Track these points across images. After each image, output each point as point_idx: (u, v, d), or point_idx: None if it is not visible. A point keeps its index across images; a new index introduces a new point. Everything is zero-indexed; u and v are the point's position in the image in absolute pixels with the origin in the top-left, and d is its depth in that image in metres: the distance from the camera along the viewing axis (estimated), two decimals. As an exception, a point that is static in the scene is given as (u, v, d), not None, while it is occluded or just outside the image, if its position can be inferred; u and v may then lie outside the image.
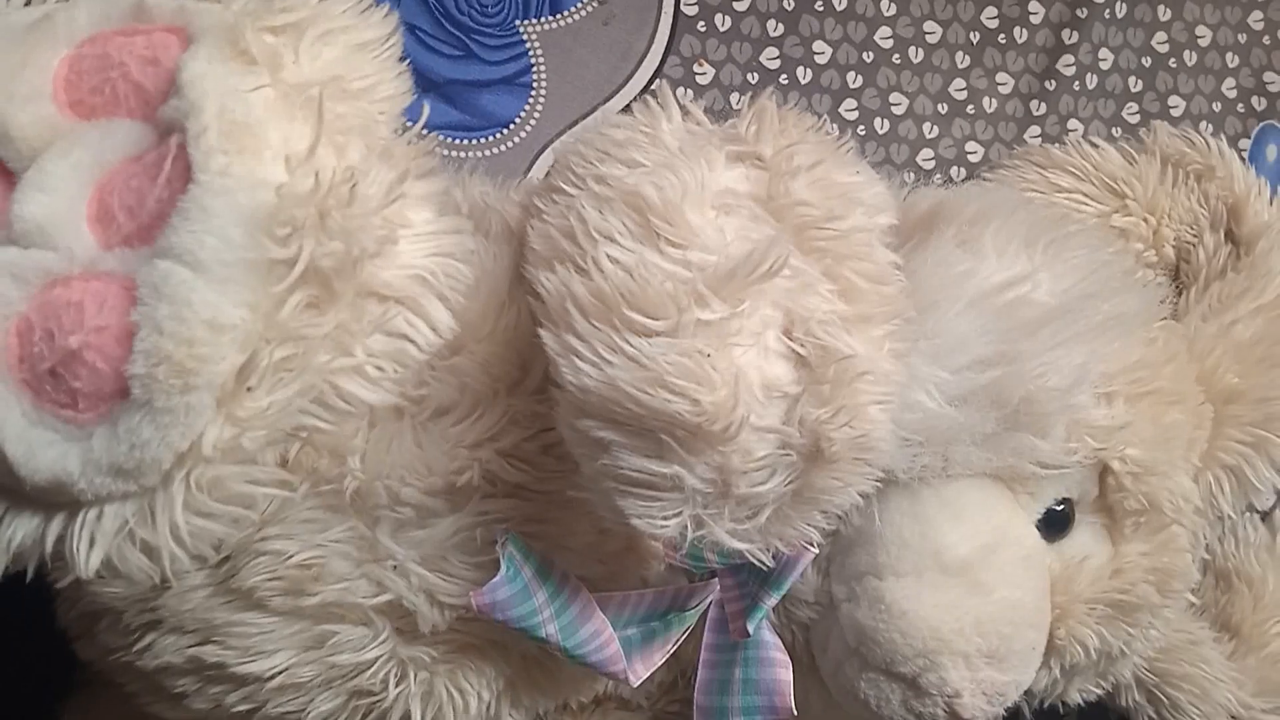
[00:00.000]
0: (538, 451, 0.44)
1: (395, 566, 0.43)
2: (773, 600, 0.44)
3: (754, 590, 0.45)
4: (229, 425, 0.29)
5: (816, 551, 0.45)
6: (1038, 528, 0.49)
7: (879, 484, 0.47)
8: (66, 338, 0.26)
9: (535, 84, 0.62)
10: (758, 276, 0.35)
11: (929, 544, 0.46)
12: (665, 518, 0.37)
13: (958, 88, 0.67)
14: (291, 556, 0.42)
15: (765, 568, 0.44)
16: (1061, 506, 0.50)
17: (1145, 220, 0.59)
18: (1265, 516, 0.68)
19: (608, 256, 0.35)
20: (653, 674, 0.55)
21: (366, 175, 0.33)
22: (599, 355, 0.35)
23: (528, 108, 0.62)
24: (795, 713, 0.48)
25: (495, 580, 0.40)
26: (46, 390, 0.27)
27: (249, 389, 0.29)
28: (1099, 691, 0.58)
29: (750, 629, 0.44)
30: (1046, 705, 0.58)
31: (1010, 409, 0.45)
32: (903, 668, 0.46)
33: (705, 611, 0.49)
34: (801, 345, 0.36)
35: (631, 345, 0.35)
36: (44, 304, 0.26)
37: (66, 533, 0.29)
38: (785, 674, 0.47)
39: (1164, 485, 0.49)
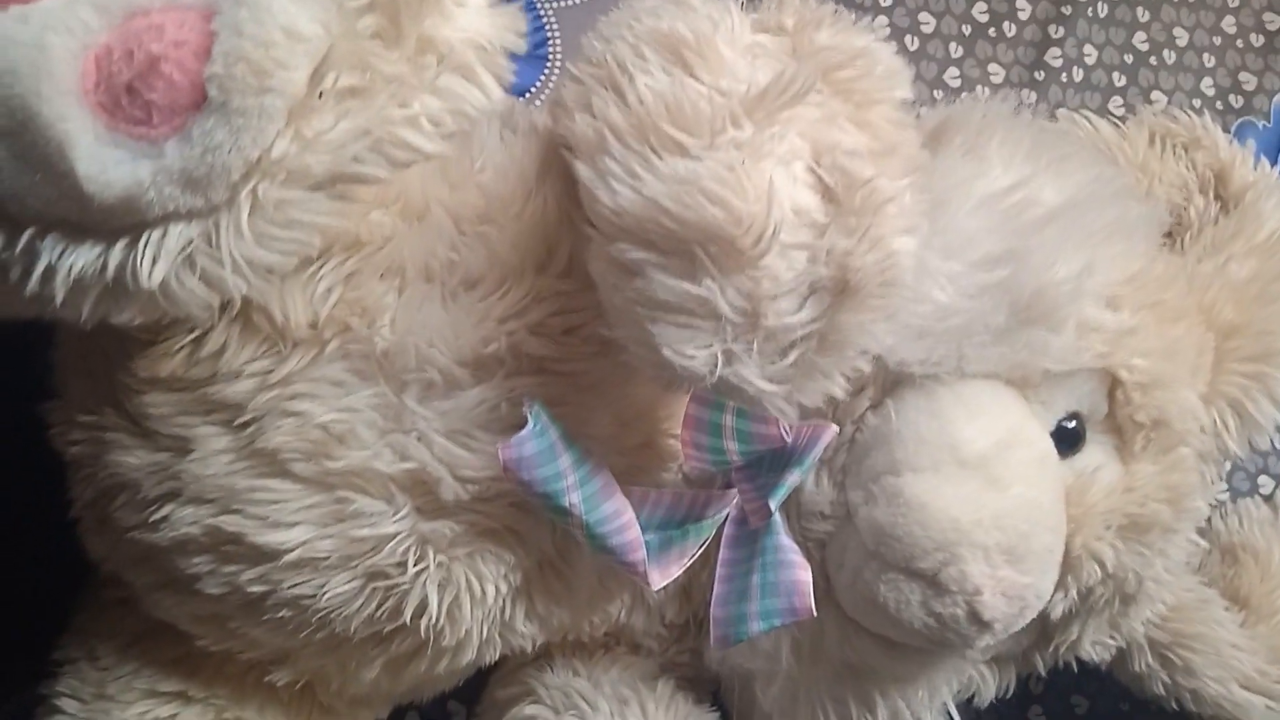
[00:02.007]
0: (562, 330, 0.44)
1: (420, 437, 0.43)
2: (795, 478, 0.44)
3: (773, 484, 0.45)
4: (296, 141, 0.30)
5: (837, 430, 0.45)
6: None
7: (895, 383, 0.49)
8: (146, 48, 0.27)
9: (551, 55, 0.65)
10: (788, 97, 0.36)
11: (946, 439, 0.47)
12: (696, 347, 0.37)
13: (952, 75, 0.70)
14: (316, 418, 0.42)
15: (785, 442, 0.44)
16: (1073, 423, 0.51)
17: (1137, 180, 0.61)
18: (1268, 498, 0.69)
19: (644, 84, 0.37)
20: (664, 613, 0.55)
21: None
22: (635, 174, 0.36)
23: (544, 77, 0.65)
24: (815, 613, 0.47)
25: (522, 434, 0.41)
26: (121, 109, 0.27)
27: (319, 95, 0.29)
28: (1112, 643, 0.57)
29: (773, 506, 0.44)
30: (1061, 659, 0.57)
31: (1021, 303, 0.46)
32: (922, 563, 0.46)
33: (721, 527, 0.49)
34: (828, 175, 0.37)
35: (667, 162, 0.36)
36: (125, 31, 0.28)
37: (128, 258, 0.29)
38: (804, 575, 0.47)
39: (1172, 399, 0.50)
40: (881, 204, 0.37)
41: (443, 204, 0.43)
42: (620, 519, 0.44)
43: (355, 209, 0.42)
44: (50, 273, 0.29)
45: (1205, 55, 0.74)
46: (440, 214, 0.43)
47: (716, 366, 0.38)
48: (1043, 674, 0.58)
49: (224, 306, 0.41)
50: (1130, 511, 0.50)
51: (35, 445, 0.47)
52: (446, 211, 0.43)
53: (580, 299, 0.44)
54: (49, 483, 0.48)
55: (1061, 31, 0.71)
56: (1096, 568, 0.50)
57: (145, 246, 0.29)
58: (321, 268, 0.42)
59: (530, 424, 0.41)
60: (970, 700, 0.58)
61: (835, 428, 0.44)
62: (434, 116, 0.33)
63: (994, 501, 0.46)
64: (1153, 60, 0.73)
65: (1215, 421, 0.55)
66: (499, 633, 0.47)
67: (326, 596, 0.43)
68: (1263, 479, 0.70)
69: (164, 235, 0.29)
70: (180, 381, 0.42)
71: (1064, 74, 0.72)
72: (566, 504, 0.42)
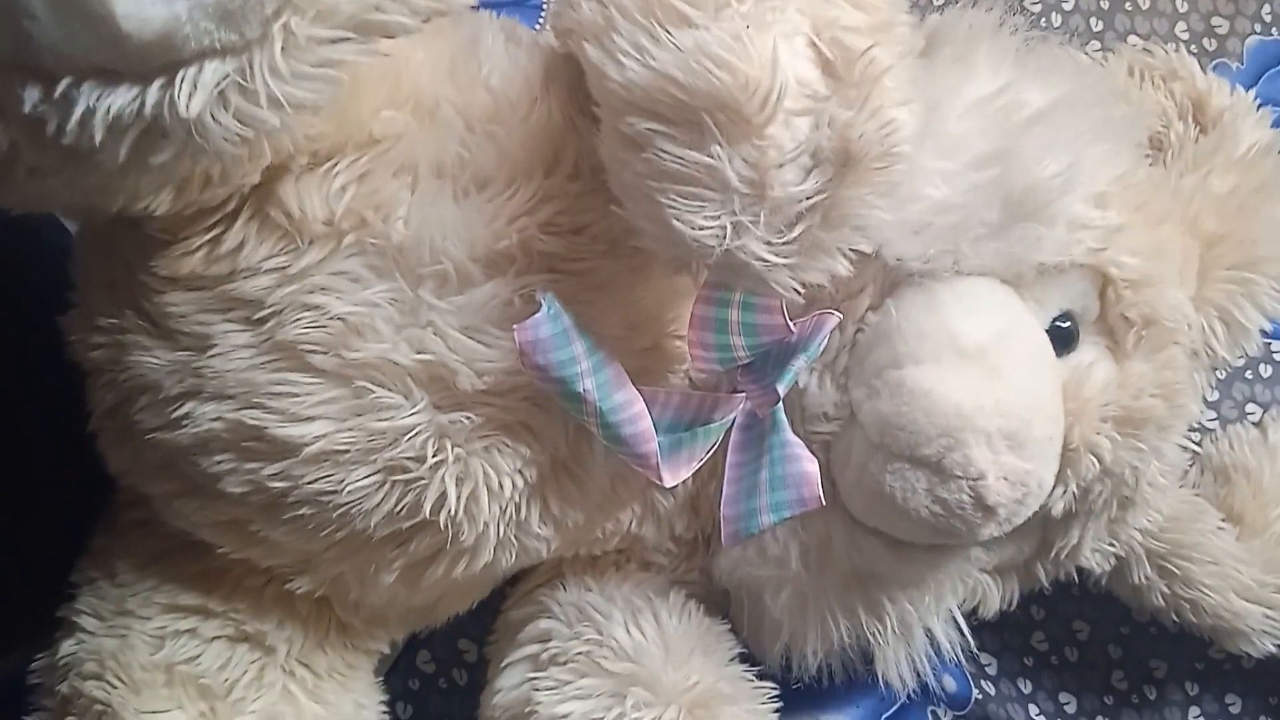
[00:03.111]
0: (571, 229, 0.46)
1: (435, 330, 0.44)
2: (801, 363, 0.45)
3: (779, 371, 0.46)
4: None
5: (840, 317, 0.46)
6: (1045, 340, 0.51)
7: (894, 284, 0.50)
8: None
9: (545, 4, 0.67)
10: (787, -28, 0.38)
11: (946, 331, 0.48)
12: (705, 218, 0.39)
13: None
14: (334, 311, 0.43)
15: (790, 332, 0.46)
16: (1067, 323, 0.52)
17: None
18: (1257, 424, 0.70)
19: (646, -36, 0.38)
20: (673, 526, 0.56)
21: None
22: (642, 48, 0.37)
23: (539, 27, 0.66)
24: (823, 502, 0.48)
25: (537, 316, 0.42)
26: (156, -54, 0.29)
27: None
28: (1110, 550, 0.58)
29: (780, 390, 0.45)
30: (1062, 569, 0.58)
31: (1014, 200, 0.48)
32: (927, 449, 0.47)
33: (728, 434, 0.50)
34: (828, 49, 0.39)
35: (674, 35, 0.37)
36: None
37: (165, 95, 0.30)
38: (811, 466, 0.48)
39: (1161, 296, 0.52)
40: (879, 75, 0.39)
41: (452, 103, 0.44)
42: (632, 409, 0.45)
43: (367, 108, 0.44)
44: (88, 116, 0.30)
45: (1178, 0, 0.76)
46: (450, 112, 0.44)
47: (725, 238, 0.39)
48: (1045, 585, 0.59)
49: (240, 206, 0.43)
50: (1126, 404, 0.51)
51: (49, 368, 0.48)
52: (456, 110, 0.44)
53: (588, 200, 0.46)
54: (61, 410, 0.49)
55: (1040, -23, 0.73)
56: (1094, 461, 0.51)
57: (182, 83, 0.30)
58: (336, 165, 0.43)
59: (544, 308, 0.42)
60: (975, 612, 0.59)
61: (838, 315, 0.45)
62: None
63: (995, 389, 0.47)
64: (1128, 5, 0.75)
65: (1204, 328, 0.57)
66: (515, 534, 0.48)
67: (347, 491, 0.44)
68: (1250, 406, 0.71)
69: (200, 71, 0.30)
70: (200, 280, 0.43)
71: (1043, 19, 0.74)
72: (580, 390, 0.43)
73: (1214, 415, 0.71)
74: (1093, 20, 0.75)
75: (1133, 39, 0.75)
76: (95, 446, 0.49)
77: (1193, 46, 0.76)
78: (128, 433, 0.46)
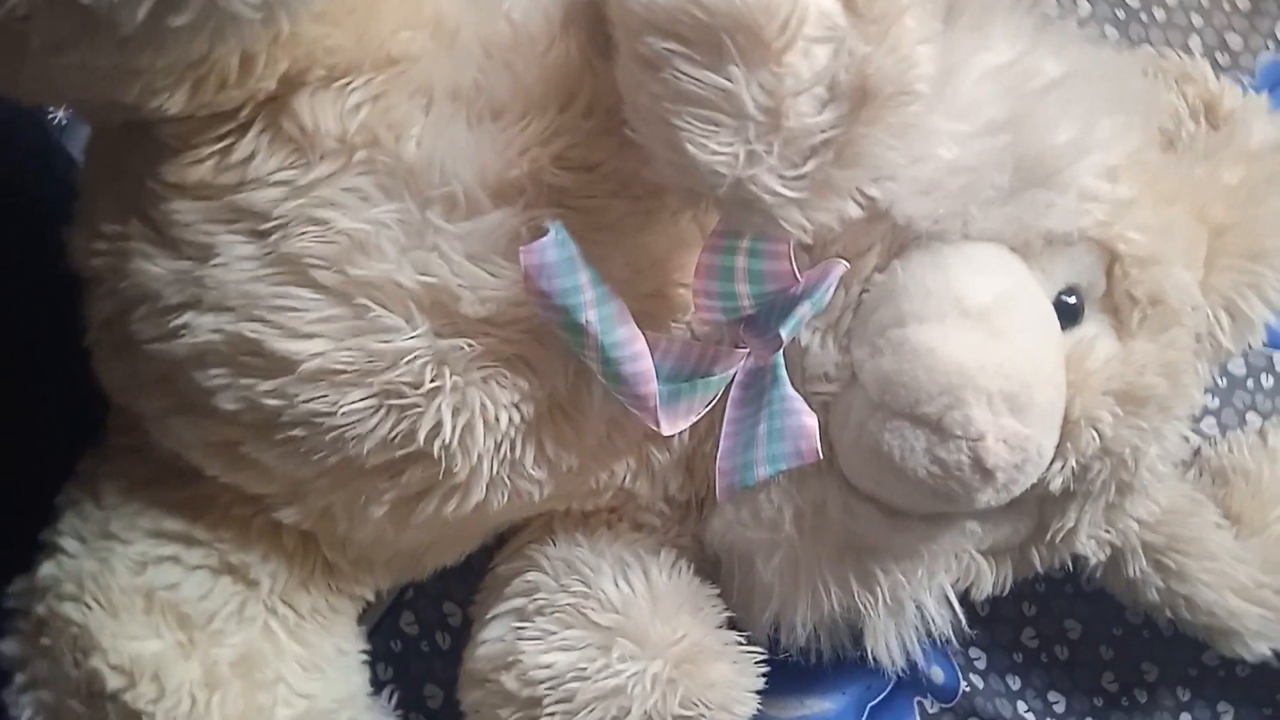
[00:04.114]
0: (583, 165, 0.46)
1: (440, 255, 0.44)
2: (806, 310, 0.45)
3: (784, 316, 0.46)
4: None
5: (847, 266, 0.46)
6: (1049, 313, 0.51)
7: (901, 245, 0.50)
8: None
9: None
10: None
11: (951, 291, 0.48)
12: (719, 144, 0.39)
13: (950, 16, 0.72)
14: (340, 226, 0.43)
15: (797, 280, 0.45)
16: (1072, 298, 0.52)
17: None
18: (1258, 430, 0.70)
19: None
20: (667, 484, 0.56)
21: None
22: (664, -33, 0.38)
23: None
24: (820, 456, 0.48)
25: (544, 240, 0.41)
26: None
27: None
28: (1106, 538, 0.58)
29: (784, 336, 0.45)
30: (1058, 556, 0.58)
31: (1025, 165, 0.48)
32: (927, 407, 0.46)
33: (728, 389, 0.49)
34: (848, -15, 0.39)
35: (694, -44, 0.37)
36: None
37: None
38: (810, 420, 0.48)
39: (1167, 275, 0.51)
40: (900, 12, 0.39)
41: (472, 28, 0.44)
42: (634, 346, 0.44)
43: (387, 27, 0.44)
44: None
45: (1193, 14, 0.76)
46: (469, 37, 0.44)
47: (737, 166, 0.39)
48: (1040, 570, 0.58)
49: (252, 117, 0.42)
50: (1129, 380, 0.51)
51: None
52: (475, 36, 0.44)
53: (601, 140, 0.46)
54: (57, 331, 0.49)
55: (1056, -18, 0.74)
56: (1095, 436, 0.50)
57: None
58: (351, 82, 0.43)
59: (552, 233, 0.42)
60: (967, 597, 0.58)
61: (845, 264, 0.45)
62: None
63: (997, 350, 0.47)
64: (1143, 17, 0.76)
65: (1210, 318, 0.57)
66: (508, 473, 0.47)
67: (341, 413, 0.44)
68: (1250, 415, 0.71)
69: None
70: (207, 189, 0.43)
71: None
72: (583, 320, 0.43)
73: (1214, 422, 0.71)
74: (1107, 28, 0.75)
75: (1146, 49, 0.76)
76: (89, 368, 0.49)
77: (1205, 60, 0.76)
78: (124, 345, 0.46)
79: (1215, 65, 0.76)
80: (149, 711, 0.47)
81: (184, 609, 0.49)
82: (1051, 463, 0.50)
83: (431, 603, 0.64)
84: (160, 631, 0.48)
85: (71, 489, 0.51)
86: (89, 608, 0.48)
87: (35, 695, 0.49)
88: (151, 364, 0.45)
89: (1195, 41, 0.77)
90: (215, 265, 0.43)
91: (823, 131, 0.39)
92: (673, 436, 0.52)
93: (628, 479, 0.53)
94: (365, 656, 0.57)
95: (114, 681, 0.47)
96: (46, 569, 0.49)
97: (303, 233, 0.42)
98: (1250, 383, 0.71)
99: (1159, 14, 0.76)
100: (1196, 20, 0.77)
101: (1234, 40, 0.77)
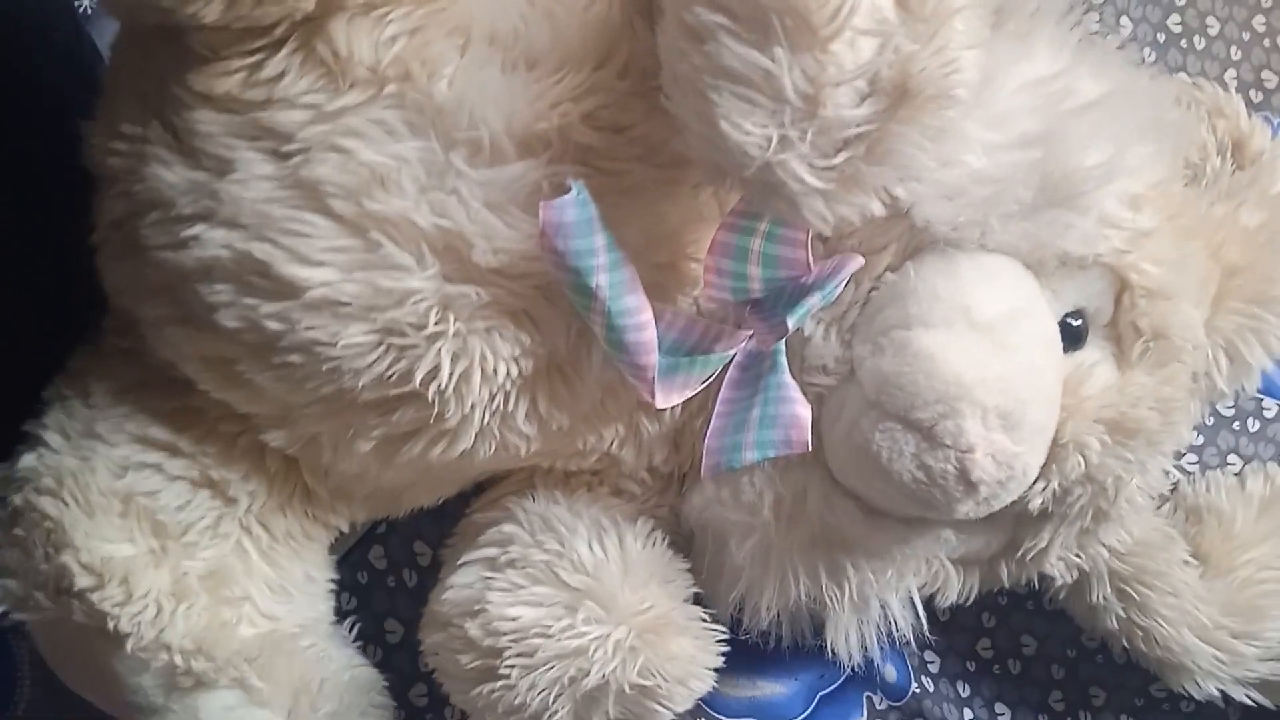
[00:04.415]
0: (612, 126, 0.45)
1: (459, 199, 0.43)
2: (816, 300, 0.45)
3: (794, 304, 0.46)
4: None
5: (863, 261, 0.46)
6: (1054, 335, 0.51)
7: (916, 248, 0.50)
8: None
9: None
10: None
11: (961, 299, 0.48)
12: (754, 124, 0.38)
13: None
14: (362, 157, 0.42)
15: (810, 270, 0.45)
16: (1078, 321, 0.52)
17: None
18: (1237, 475, 0.71)
19: None
20: (652, 455, 0.56)
21: None
22: (721, -63, 0.37)
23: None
24: (810, 448, 0.48)
25: (565, 198, 0.41)
26: None
27: None
28: (1076, 562, 0.58)
29: (791, 325, 0.45)
30: (1026, 573, 0.58)
31: (1051, 183, 0.48)
32: (922, 413, 0.46)
33: (725, 369, 0.49)
34: (902, -18, 0.38)
35: (755, -71, 0.37)
36: None
37: None
38: (804, 411, 0.48)
39: (1175, 311, 0.52)
40: (950, 15, 0.39)
41: (518, -27, 0.44)
42: (640, 315, 0.44)
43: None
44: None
45: (1233, 48, 0.76)
46: (512, -19, 0.44)
47: (768, 149, 0.39)
48: (1007, 585, 0.59)
49: (286, 36, 0.42)
50: (1122, 410, 0.51)
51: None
52: (520, -20, 0.44)
53: (633, 102, 0.45)
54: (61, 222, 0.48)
55: (1102, -1, 0.74)
56: (1080, 461, 0.51)
57: None
58: (390, 14, 0.42)
59: (574, 192, 0.41)
60: (931, 601, 0.59)
61: (860, 258, 0.45)
62: None
63: (999, 365, 0.47)
64: (1183, 43, 0.76)
65: (1209, 358, 0.57)
66: (498, 426, 0.47)
67: (341, 345, 0.44)
68: (1232, 457, 0.72)
69: None
70: (234, 102, 0.42)
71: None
72: (593, 284, 0.43)
73: (1195, 459, 0.71)
74: (1146, 50, 0.75)
75: (1181, 76, 0.75)
76: (90, 264, 0.49)
77: (1239, 95, 0.76)
78: (132, 249, 0.45)
79: (1248, 101, 0.76)
80: (114, 614, 0.47)
81: (160, 517, 0.49)
82: (1034, 482, 0.51)
83: (403, 540, 0.64)
84: (134, 537, 0.48)
85: (61, 384, 0.51)
86: (65, 504, 0.48)
87: (3, 583, 0.49)
88: (157, 271, 0.45)
89: (1231, 75, 0.76)
90: (232, 180, 0.42)
91: (858, 125, 0.39)
92: (664, 411, 0.52)
93: (615, 445, 0.53)
94: (332, 586, 0.57)
95: (83, 580, 0.47)
96: (27, 460, 0.49)
97: (324, 159, 0.42)
98: (1237, 425, 0.72)
99: (1199, 42, 0.76)
100: (1235, 54, 0.76)
101: (1269, 79, 0.77)
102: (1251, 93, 0.76)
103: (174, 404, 0.50)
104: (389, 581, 0.65)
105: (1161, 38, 0.75)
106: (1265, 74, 0.77)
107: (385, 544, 0.64)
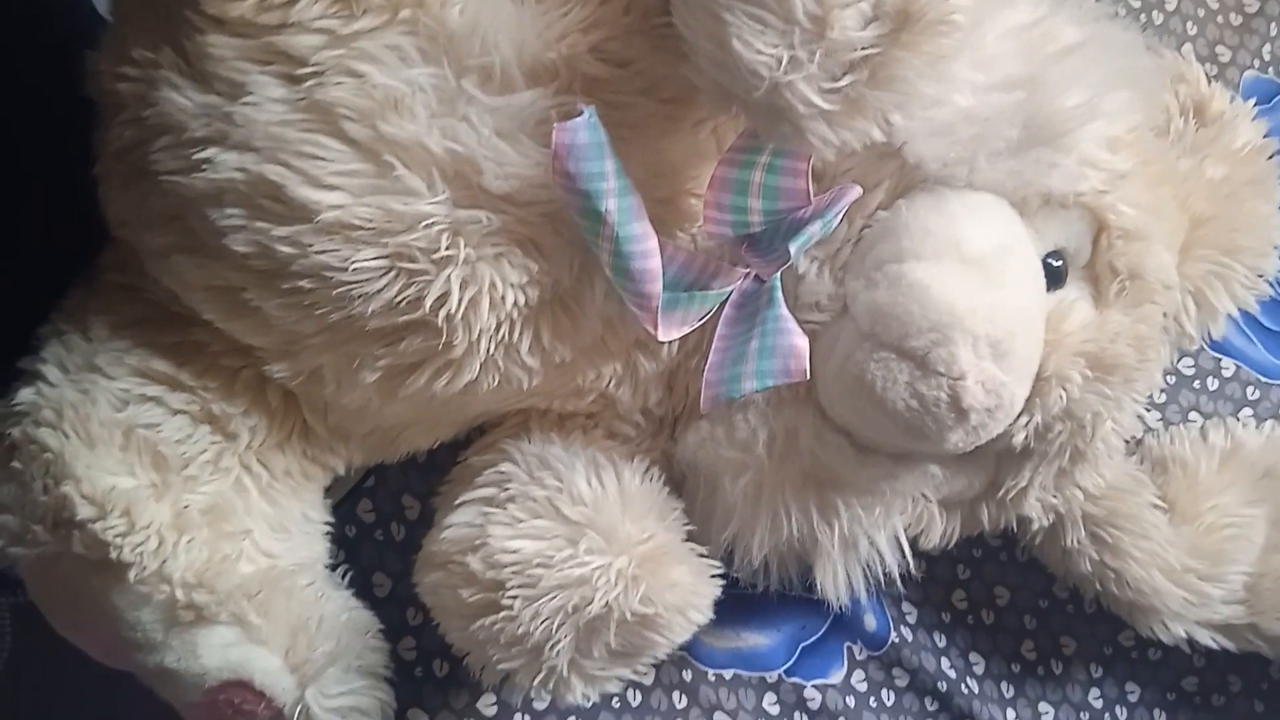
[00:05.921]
0: (618, 60, 0.46)
1: (470, 125, 0.44)
2: (817, 230, 0.46)
3: (794, 233, 0.47)
4: None
5: (860, 192, 0.48)
6: (1034, 275, 0.53)
7: (907, 186, 0.51)
8: None
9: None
10: None
11: (951, 234, 0.49)
12: (764, 44, 0.40)
13: None
14: (375, 81, 0.43)
15: (810, 201, 0.47)
16: (1058, 261, 0.54)
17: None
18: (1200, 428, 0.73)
19: None
20: (648, 395, 0.57)
21: None
22: None
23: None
24: (809, 377, 0.49)
25: (578, 120, 0.42)
26: None
27: None
28: (1053, 503, 0.60)
29: (793, 251, 0.46)
30: (1006, 516, 0.60)
31: (1035, 123, 0.50)
32: (915, 341, 0.48)
33: (722, 306, 0.51)
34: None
35: None
36: None
37: None
38: (802, 341, 0.49)
39: (1149, 252, 0.54)
40: (951, -55, 0.40)
41: (525, -94, 0.45)
42: (646, 243, 0.45)
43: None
44: None
45: (1189, 23, 0.79)
46: (525, -88, 0.45)
47: (777, 69, 0.40)
48: (987, 528, 0.60)
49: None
50: (1101, 345, 0.53)
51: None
52: (528, -86, 0.45)
53: (636, 39, 0.47)
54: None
55: (1064, -26, 0.76)
56: (1062, 395, 0.52)
57: None
58: (403, -59, 0.43)
59: (585, 115, 0.42)
60: (915, 544, 0.60)
61: (858, 188, 0.47)
62: None
63: (989, 297, 0.49)
64: (1143, 18, 0.79)
65: (1178, 302, 0.59)
66: (502, 357, 0.48)
67: (352, 269, 0.44)
68: (1193, 414, 0.74)
69: None
70: (247, 27, 0.43)
71: (1062, 14, 0.77)
72: (602, 208, 0.43)
73: (1159, 416, 0.74)
74: (1108, 24, 0.78)
75: (1143, 48, 0.78)
76: (89, 199, 0.49)
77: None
78: (138, 177, 0.45)
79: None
80: (116, 544, 0.47)
81: (161, 450, 0.49)
82: (1018, 416, 0.53)
83: (391, 494, 0.64)
84: (134, 470, 0.48)
85: (58, 320, 0.50)
86: (66, 436, 0.47)
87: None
88: (165, 198, 0.45)
89: (1187, 49, 0.79)
90: (246, 104, 0.43)
91: (863, 48, 0.40)
92: (661, 348, 0.53)
93: (612, 384, 0.54)
94: (328, 528, 0.57)
95: (84, 510, 0.47)
96: (25, 394, 0.49)
97: (339, 83, 0.43)
98: (1197, 384, 0.74)
99: (1158, 17, 0.79)
100: (1191, 29, 0.79)
101: (1223, 53, 0.80)
102: (1207, 66, 0.79)
103: (175, 338, 0.50)
104: (377, 535, 0.65)
105: (1122, 10, 0.78)
106: (1219, 48, 0.80)
107: (373, 498, 0.64)
